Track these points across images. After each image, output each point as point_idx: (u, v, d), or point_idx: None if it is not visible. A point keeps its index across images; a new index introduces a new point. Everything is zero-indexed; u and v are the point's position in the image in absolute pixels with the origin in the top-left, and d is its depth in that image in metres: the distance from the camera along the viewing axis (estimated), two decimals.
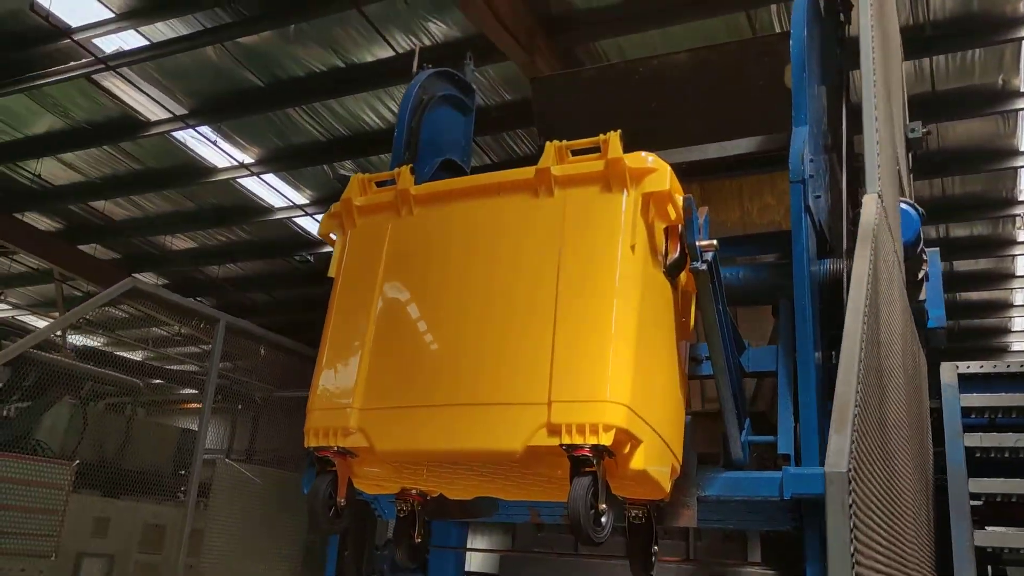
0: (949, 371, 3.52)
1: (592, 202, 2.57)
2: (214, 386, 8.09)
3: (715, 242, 2.57)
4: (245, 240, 14.82)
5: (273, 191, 12.74)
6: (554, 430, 2.34)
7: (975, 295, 15.45)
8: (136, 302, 8.10)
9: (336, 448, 2.67)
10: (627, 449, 2.39)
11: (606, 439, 2.28)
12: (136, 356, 15.18)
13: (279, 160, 11.92)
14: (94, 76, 10.19)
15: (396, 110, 10.33)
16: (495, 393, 2.50)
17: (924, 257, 3.23)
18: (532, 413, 2.40)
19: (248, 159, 11.92)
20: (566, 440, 2.31)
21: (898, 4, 8.23)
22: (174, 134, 11.38)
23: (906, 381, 2.54)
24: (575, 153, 2.66)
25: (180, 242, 15.14)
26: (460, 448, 2.54)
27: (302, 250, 14.63)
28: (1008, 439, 3.32)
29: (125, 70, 10.09)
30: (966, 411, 3.44)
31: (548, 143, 2.71)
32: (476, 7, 7.49)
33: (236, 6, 8.91)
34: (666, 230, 2.63)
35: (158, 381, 12.30)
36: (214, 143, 11.29)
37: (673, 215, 2.59)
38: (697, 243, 2.54)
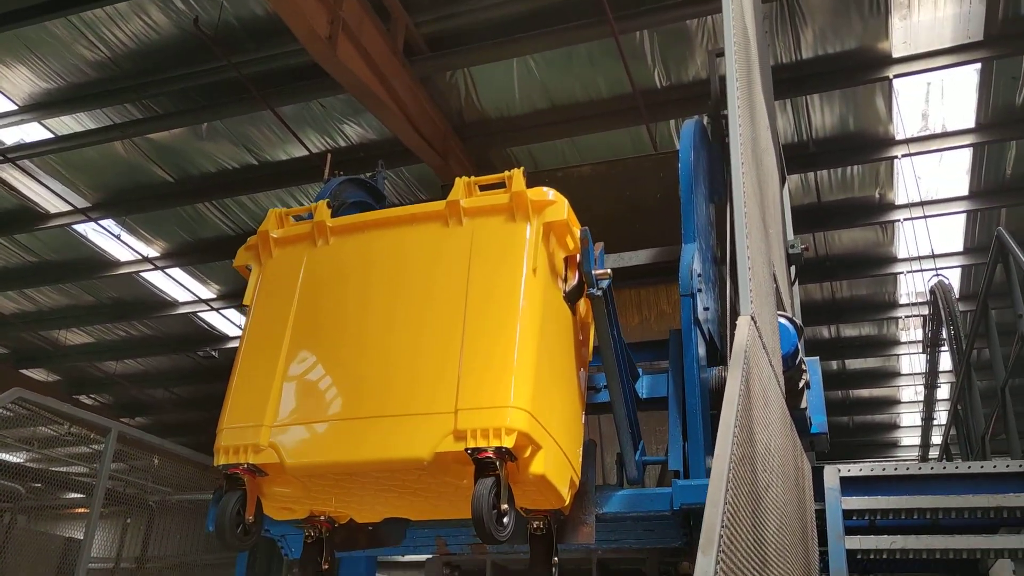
0: (832, 474, 3.70)
1: (497, 230, 2.79)
2: (103, 492, 7.65)
3: (610, 271, 2.83)
4: (146, 335, 14.33)
5: (178, 285, 12.47)
6: (460, 436, 2.48)
7: (866, 392, 16.22)
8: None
9: (247, 465, 2.69)
10: (528, 453, 2.53)
11: (508, 441, 2.42)
12: (17, 458, 14.23)
13: (186, 254, 11.73)
14: None
15: (307, 205, 10.41)
16: (404, 406, 2.62)
17: (803, 367, 3.44)
18: (439, 422, 2.53)
19: (153, 252, 11.69)
20: (471, 444, 2.45)
21: (784, 122, 8.94)
22: (75, 227, 11.10)
23: (786, 490, 2.68)
24: (483, 188, 2.89)
25: (75, 336, 14.51)
26: (369, 459, 2.60)
27: (207, 345, 14.23)
28: (885, 541, 3.49)
29: (26, 162, 9.88)
30: (847, 513, 3.61)
31: (457, 179, 2.92)
32: (390, 113, 7.71)
33: (147, 102, 8.92)
34: (566, 259, 2.89)
35: (39, 485, 11.56)
36: (117, 236, 11.04)
37: (571, 245, 2.88)
38: (593, 271, 2.78)
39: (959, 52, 7.75)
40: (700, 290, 3.36)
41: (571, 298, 2.89)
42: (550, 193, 2.81)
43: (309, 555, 3.00)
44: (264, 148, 9.58)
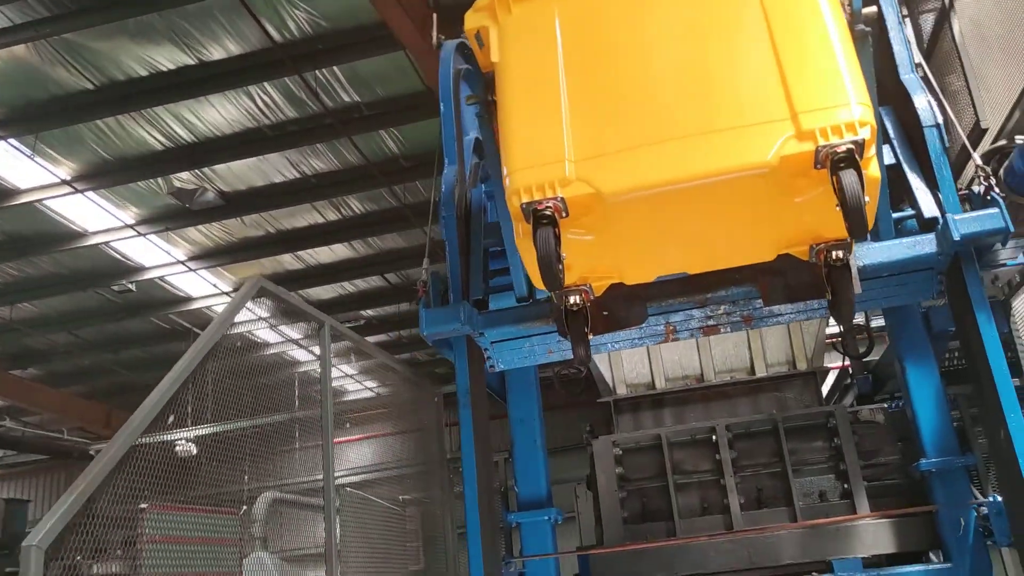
0: None
1: None
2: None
3: None
4: (47, 273, 12.81)
5: (93, 210, 11.09)
6: (806, 136, 2.56)
7: None
8: None
9: (559, 198, 2.67)
10: (871, 152, 2.60)
11: (865, 133, 2.51)
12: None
13: (102, 175, 10.43)
14: None
15: (250, 109, 9.48)
16: (729, 120, 2.67)
17: None
18: (776, 128, 2.60)
19: (63, 175, 10.31)
20: (823, 141, 2.53)
21: None
22: None
23: None
24: None
25: None
26: (704, 171, 2.64)
27: (121, 279, 12.93)
28: None
29: None
30: None
31: None
32: None
33: None
34: None
35: None
36: (30, 156, 9.63)
37: None
38: None
39: None
40: None
41: None
42: None
43: (576, 324, 3.10)
44: (204, 45, 8.53)
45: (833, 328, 6.91)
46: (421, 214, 11.54)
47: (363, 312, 15.39)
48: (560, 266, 2.75)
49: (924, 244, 3.53)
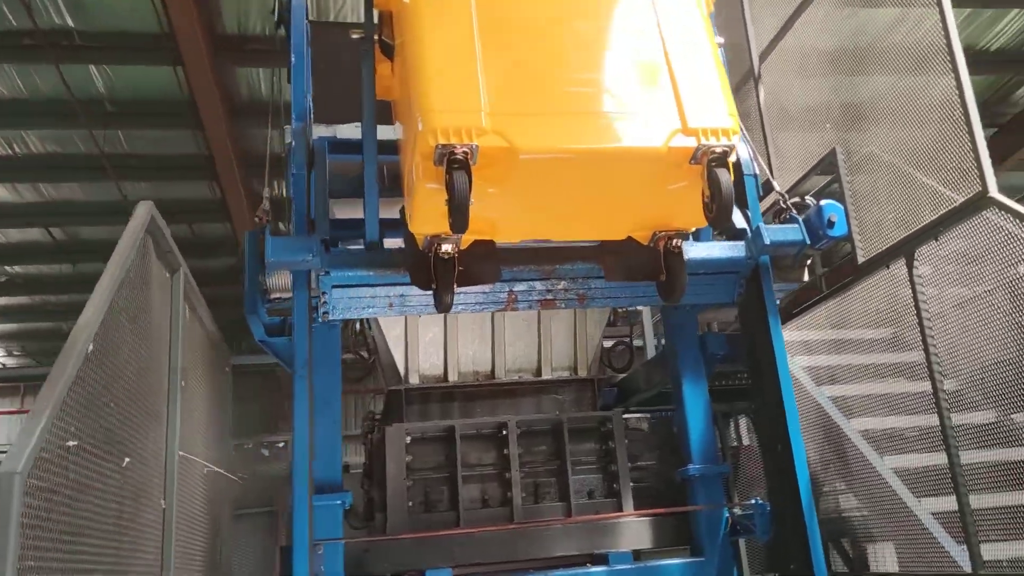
0: None
1: None
2: None
3: None
4: None
5: None
6: (690, 133, 3.01)
7: None
8: None
9: (474, 145, 2.81)
10: (732, 159, 3.10)
11: (735, 141, 3.02)
12: None
13: None
14: None
15: None
16: (628, 105, 3.05)
17: None
18: (666, 122, 3.03)
19: None
20: (703, 140, 2.98)
21: None
22: None
23: None
24: None
25: None
26: (609, 147, 2.99)
27: None
28: None
29: None
30: None
31: None
32: None
33: None
34: None
35: None
36: None
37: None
38: None
39: None
40: None
41: None
42: None
43: (446, 271, 3.28)
44: None
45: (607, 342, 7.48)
46: (120, 166, 10.61)
47: (9, 268, 13.62)
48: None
49: (738, 248, 4.14)
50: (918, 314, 4.03)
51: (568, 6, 3.34)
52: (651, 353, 8.00)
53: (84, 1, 8.25)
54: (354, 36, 3.81)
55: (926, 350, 4.04)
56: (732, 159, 3.09)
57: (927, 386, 4.08)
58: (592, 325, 5.79)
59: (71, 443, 2.72)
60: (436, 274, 3.30)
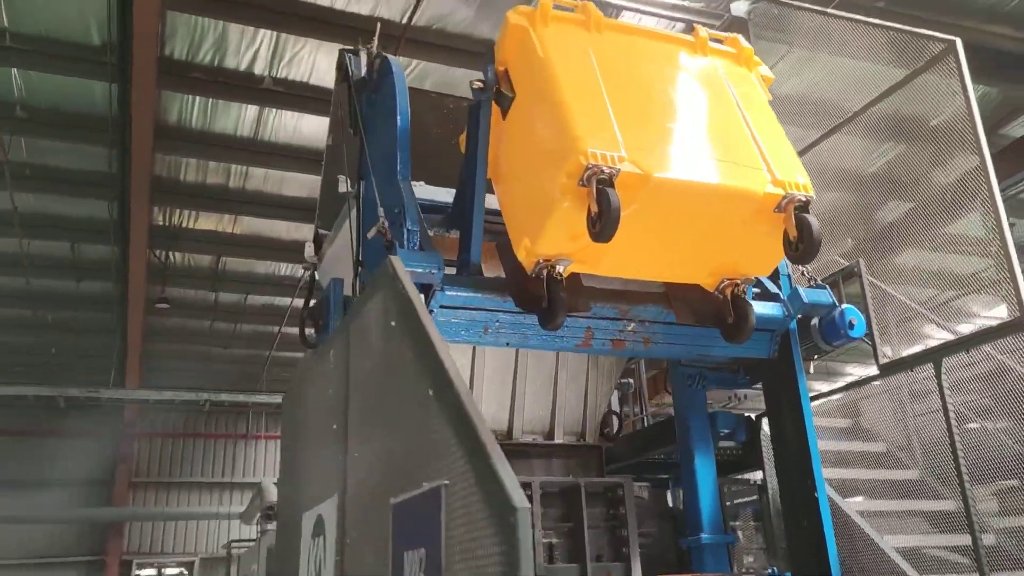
0: None
1: (734, 69, 4.01)
2: None
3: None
4: None
5: None
6: (779, 184, 3.44)
7: None
8: None
9: (616, 168, 3.12)
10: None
11: (811, 194, 3.49)
12: None
13: None
14: None
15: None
16: (733, 155, 3.50)
17: None
18: (760, 173, 3.47)
19: None
20: (790, 190, 3.44)
21: None
22: None
23: None
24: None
25: None
26: (726, 184, 3.39)
27: None
28: None
29: None
30: None
31: (696, 25, 4.29)
32: None
33: None
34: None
35: None
36: None
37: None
38: None
39: None
40: None
41: None
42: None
43: (558, 291, 3.54)
44: None
45: None
46: (20, 177, 9.80)
47: None
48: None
49: (777, 307, 4.49)
50: (946, 416, 4.58)
51: (661, 70, 3.80)
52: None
53: (19, 4, 7.61)
54: (475, 86, 3.91)
55: (954, 451, 4.57)
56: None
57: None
58: (601, 394, 6.01)
59: None
60: (550, 294, 3.53)
